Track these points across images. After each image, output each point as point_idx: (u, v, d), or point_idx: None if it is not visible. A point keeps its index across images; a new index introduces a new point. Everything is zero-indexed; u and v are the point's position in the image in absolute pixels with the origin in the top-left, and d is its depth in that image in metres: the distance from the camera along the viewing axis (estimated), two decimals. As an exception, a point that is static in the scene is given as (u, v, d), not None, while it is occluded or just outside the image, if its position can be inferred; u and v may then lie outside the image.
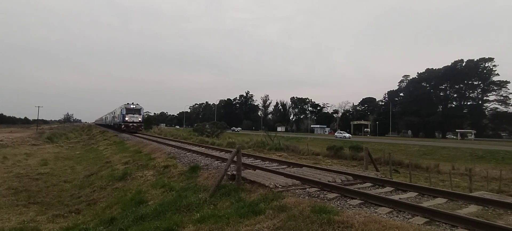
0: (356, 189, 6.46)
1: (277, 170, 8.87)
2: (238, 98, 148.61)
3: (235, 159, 7.63)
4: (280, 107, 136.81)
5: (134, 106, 40.24)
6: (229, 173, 8.23)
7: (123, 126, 38.78)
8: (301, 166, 10.58)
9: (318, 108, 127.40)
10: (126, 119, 38.76)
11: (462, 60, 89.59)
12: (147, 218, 6.48)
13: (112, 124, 52.56)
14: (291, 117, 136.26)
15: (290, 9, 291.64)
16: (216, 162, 11.37)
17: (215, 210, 6.02)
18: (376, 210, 5.20)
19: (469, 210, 5.37)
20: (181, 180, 9.48)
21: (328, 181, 7.26)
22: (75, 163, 20.34)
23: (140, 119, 40.57)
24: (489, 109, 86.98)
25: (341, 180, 7.77)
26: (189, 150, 15.36)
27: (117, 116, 44.92)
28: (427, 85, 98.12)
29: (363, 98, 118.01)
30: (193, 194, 7.54)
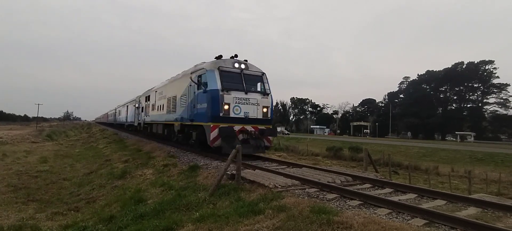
0: (356, 190, 6.46)
1: (277, 170, 8.86)
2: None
3: (234, 158, 7.62)
4: (280, 107, 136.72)
5: (246, 66, 12.37)
6: (228, 172, 8.22)
7: (216, 138, 11.04)
8: (300, 166, 10.57)
9: (318, 109, 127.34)
10: (227, 107, 11.22)
11: (462, 63, 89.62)
12: (146, 216, 6.48)
13: (136, 124, 26.43)
14: (291, 117, 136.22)
15: (290, 9, 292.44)
16: (215, 161, 11.36)
17: (215, 209, 6.02)
18: (375, 211, 5.20)
19: (468, 212, 5.37)
20: (181, 179, 9.48)
21: (328, 182, 7.25)
22: (74, 160, 20.34)
23: (267, 108, 12.23)
24: (489, 112, 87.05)
25: (340, 180, 7.76)
26: (189, 149, 15.33)
27: (173, 103, 15.77)
28: (427, 87, 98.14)
29: (363, 100, 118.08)
30: (193, 193, 7.54)
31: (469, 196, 6.98)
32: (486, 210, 5.52)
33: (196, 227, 5.27)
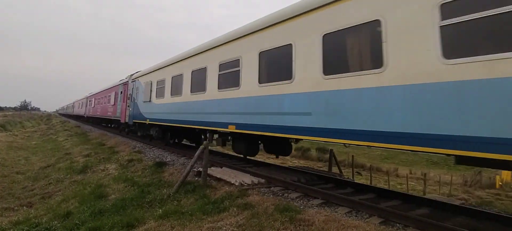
0: (319, 189, 6.63)
1: (244, 168, 8.88)
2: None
3: (202, 155, 7.55)
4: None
5: None
6: (195, 169, 8.13)
7: None
8: (268, 165, 10.68)
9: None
10: None
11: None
12: (107, 213, 6.23)
13: None
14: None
15: (269, 9, 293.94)
16: (182, 158, 11.18)
17: (179, 206, 5.93)
18: (336, 210, 5.38)
19: (422, 211, 5.71)
20: (145, 175, 9.22)
21: (293, 181, 7.39)
22: (30, 153, 19.09)
23: None
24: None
25: (305, 179, 7.93)
26: (156, 145, 14.96)
27: None
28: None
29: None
30: (157, 189, 7.38)
31: (424, 196, 7.45)
32: (437, 210, 5.91)
33: (158, 224, 5.16)
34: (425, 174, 16.21)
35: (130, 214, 5.88)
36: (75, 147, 18.00)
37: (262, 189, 6.69)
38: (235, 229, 4.56)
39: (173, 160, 10.66)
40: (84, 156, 14.12)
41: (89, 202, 7.24)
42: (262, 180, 7.39)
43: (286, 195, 6.36)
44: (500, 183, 18.41)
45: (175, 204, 6.18)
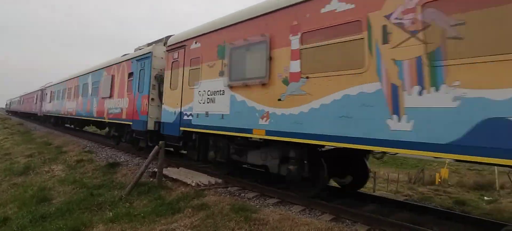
0: (275, 189, 6.76)
1: (202, 169, 8.76)
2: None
3: (157, 155, 7.30)
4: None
5: None
6: (150, 170, 7.86)
7: None
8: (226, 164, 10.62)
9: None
10: None
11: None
12: (50, 217, 5.79)
13: None
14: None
15: (235, 8, 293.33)
16: (137, 158, 10.73)
17: (131, 209, 5.69)
18: (291, 208, 5.52)
19: (370, 208, 6.07)
20: (96, 176, 8.71)
21: (250, 181, 7.44)
22: (-39, 153, 17.05)
23: None
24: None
25: (263, 179, 8.02)
26: (109, 144, 14.19)
27: None
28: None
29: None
30: (108, 191, 7.02)
31: (373, 194, 7.92)
32: (384, 206, 6.32)
33: (107, 228, 4.92)
34: (375, 172, 17.25)
35: (77, 218, 5.52)
36: (16, 147, 16.44)
37: (219, 189, 6.65)
38: (189, 230, 4.48)
39: (127, 160, 10.20)
40: (26, 156, 12.96)
41: (30, 206, 6.68)
42: (220, 180, 7.35)
43: (243, 195, 6.39)
44: (439, 180, 20.22)
45: (127, 206, 5.92)
